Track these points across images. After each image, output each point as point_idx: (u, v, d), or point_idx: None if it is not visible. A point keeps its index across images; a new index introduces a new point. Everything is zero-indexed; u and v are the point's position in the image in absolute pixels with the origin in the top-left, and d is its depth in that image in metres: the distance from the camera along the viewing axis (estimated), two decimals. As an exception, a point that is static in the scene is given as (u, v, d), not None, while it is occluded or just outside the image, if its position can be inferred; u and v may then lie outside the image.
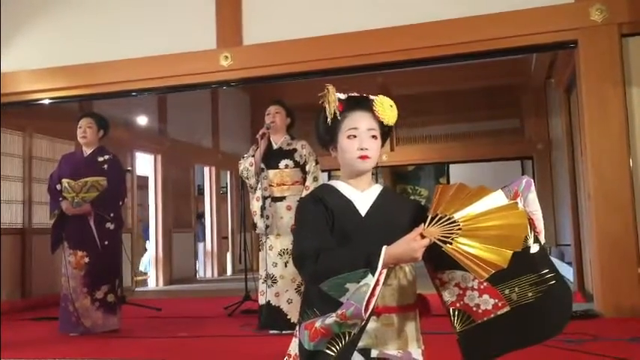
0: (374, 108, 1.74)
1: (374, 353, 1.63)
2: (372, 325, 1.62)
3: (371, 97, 1.78)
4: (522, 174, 11.46)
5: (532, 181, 1.72)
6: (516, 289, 1.62)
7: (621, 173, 4.57)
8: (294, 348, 1.69)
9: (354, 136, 1.73)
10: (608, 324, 4.21)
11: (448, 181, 11.76)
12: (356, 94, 1.79)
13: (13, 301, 6.19)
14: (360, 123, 1.73)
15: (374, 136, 1.74)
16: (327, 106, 1.74)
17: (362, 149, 1.72)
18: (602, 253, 4.58)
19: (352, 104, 1.76)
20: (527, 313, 1.61)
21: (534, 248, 1.64)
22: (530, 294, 1.61)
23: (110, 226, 4.63)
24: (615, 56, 4.65)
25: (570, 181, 6.48)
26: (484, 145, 10.71)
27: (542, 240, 1.68)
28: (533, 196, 1.69)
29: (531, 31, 4.82)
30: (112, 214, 4.64)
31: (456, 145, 10.95)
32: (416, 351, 1.69)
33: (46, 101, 6.21)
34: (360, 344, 1.61)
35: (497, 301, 1.62)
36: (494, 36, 4.89)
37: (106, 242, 4.59)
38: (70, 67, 5.87)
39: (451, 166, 12.07)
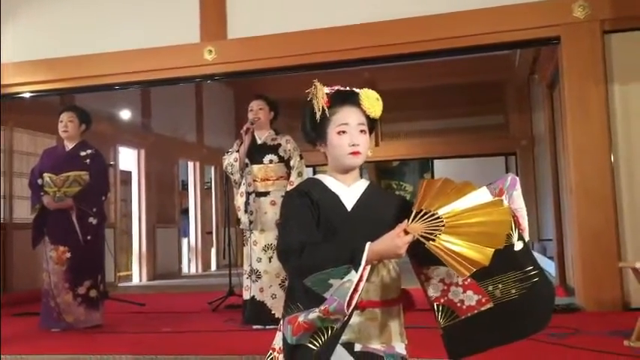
0: (361, 102, 1.73)
1: (357, 347, 1.64)
2: (355, 319, 1.62)
3: (356, 90, 1.77)
4: (506, 169, 11.58)
5: (517, 178, 1.72)
6: (500, 285, 1.62)
7: (602, 169, 4.62)
8: (278, 342, 1.69)
9: (344, 132, 1.71)
10: (589, 317, 4.26)
11: (433, 177, 11.81)
12: (342, 88, 1.77)
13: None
14: (350, 118, 1.72)
15: (363, 131, 1.73)
16: (314, 102, 1.73)
17: (353, 145, 1.71)
18: (583, 248, 4.63)
19: (340, 99, 1.74)
20: (511, 310, 1.62)
21: (518, 245, 1.64)
22: (513, 291, 1.62)
23: (93, 220, 4.59)
24: (597, 53, 4.69)
25: (552, 176, 6.54)
26: (468, 141, 10.77)
27: (527, 237, 1.69)
28: (518, 193, 1.70)
29: (514, 27, 4.85)
30: (94, 209, 4.60)
31: (440, 140, 11.00)
32: (399, 345, 1.69)
33: (27, 95, 6.14)
34: (344, 338, 1.61)
35: (480, 297, 1.63)
36: (478, 32, 4.92)
37: (89, 237, 4.55)
38: (52, 61, 5.80)
39: (435, 161, 12.12)
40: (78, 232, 4.49)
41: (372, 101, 1.73)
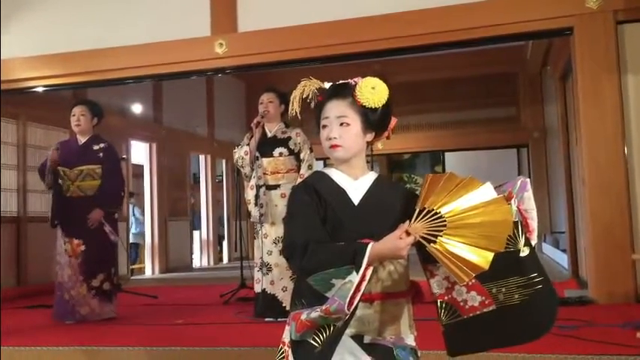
0: (354, 93, 1.69)
1: (367, 339, 1.64)
2: (365, 311, 1.63)
3: (355, 80, 1.72)
4: (518, 162, 11.52)
5: (528, 180, 1.70)
6: (503, 289, 1.61)
7: (616, 160, 4.58)
8: (287, 336, 1.69)
9: (326, 126, 1.70)
10: (602, 310, 4.24)
11: (444, 170, 11.78)
12: (339, 82, 1.74)
13: (8, 289, 6.18)
14: (330, 112, 1.70)
15: (344, 124, 1.68)
16: (290, 104, 1.75)
17: (329, 139, 1.69)
18: (596, 240, 4.60)
19: (329, 93, 1.72)
20: (512, 315, 1.61)
21: (524, 251, 1.63)
22: (516, 296, 1.61)
23: (116, 215, 4.74)
24: (610, 43, 4.64)
25: (565, 168, 6.50)
26: (480, 133, 10.72)
27: (534, 240, 1.67)
28: (529, 194, 1.68)
29: (527, 17, 4.80)
30: (119, 206, 4.80)
31: (451, 133, 10.95)
32: (409, 337, 1.70)
33: (40, 89, 6.18)
34: (353, 331, 1.62)
35: (484, 298, 1.63)
36: (490, 23, 4.88)
37: (108, 230, 4.60)
38: (64, 55, 5.83)
39: (447, 154, 12.09)
40: (108, 232, 4.55)
41: (363, 91, 1.68)
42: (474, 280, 1.60)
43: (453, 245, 1.48)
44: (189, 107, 10.30)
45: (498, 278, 1.61)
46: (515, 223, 1.61)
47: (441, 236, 1.50)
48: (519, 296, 1.61)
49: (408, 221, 1.54)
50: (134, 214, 10.53)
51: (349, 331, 1.61)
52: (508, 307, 1.61)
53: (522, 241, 1.63)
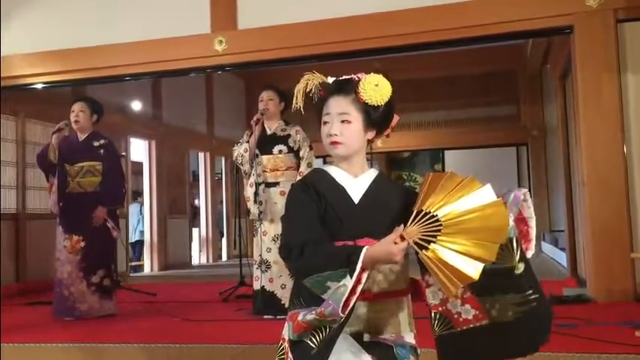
0: (357, 90, 1.67)
1: (366, 337, 1.64)
2: (364, 310, 1.63)
3: (359, 76, 1.69)
4: (517, 160, 11.51)
5: (525, 190, 1.68)
6: (497, 305, 1.60)
7: (615, 159, 4.58)
8: (286, 333, 1.69)
9: (327, 122, 1.69)
10: (601, 308, 4.25)
11: (443, 168, 11.77)
12: (342, 78, 1.72)
13: (8, 286, 6.18)
14: (332, 108, 1.68)
15: (345, 121, 1.66)
16: (295, 96, 1.73)
17: (330, 135, 1.67)
18: (595, 239, 4.60)
19: (332, 89, 1.70)
20: (505, 331, 1.60)
21: (519, 269, 1.60)
22: (510, 313, 1.59)
23: (118, 212, 4.76)
24: (611, 42, 4.64)
25: (564, 167, 6.50)
26: (480, 132, 10.73)
27: (532, 251, 1.66)
28: (528, 204, 1.67)
29: (526, 16, 4.80)
30: (122, 203, 4.78)
31: (451, 131, 10.96)
32: (408, 335, 1.70)
33: (40, 85, 6.17)
34: (353, 329, 1.62)
35: (477, 312, 1.62)
36: (489, 21, 4.88)
37: (111, 226, 4.61)
38: (64, 52, 5.82)
39: (446, 152, 12.08)
40: (111, 227, 4.56)
41: (367, 88, 1.66)
42: (469, 294, 1.60)
43: (446, 253, 1.47)
44: (189, 105, 10.30)
45: (493, 294, 1.59)
46: (510, 240, 1.59)
47: (435, 242, 1.48)
48: (513, 313, 1.59)
49: (402, 225, 1.53)
50: (142, 213, 10.53)
51: (349, 329, 1.61)
52: (501, 323, 1.60)
53: (517, 256, 1.60)
